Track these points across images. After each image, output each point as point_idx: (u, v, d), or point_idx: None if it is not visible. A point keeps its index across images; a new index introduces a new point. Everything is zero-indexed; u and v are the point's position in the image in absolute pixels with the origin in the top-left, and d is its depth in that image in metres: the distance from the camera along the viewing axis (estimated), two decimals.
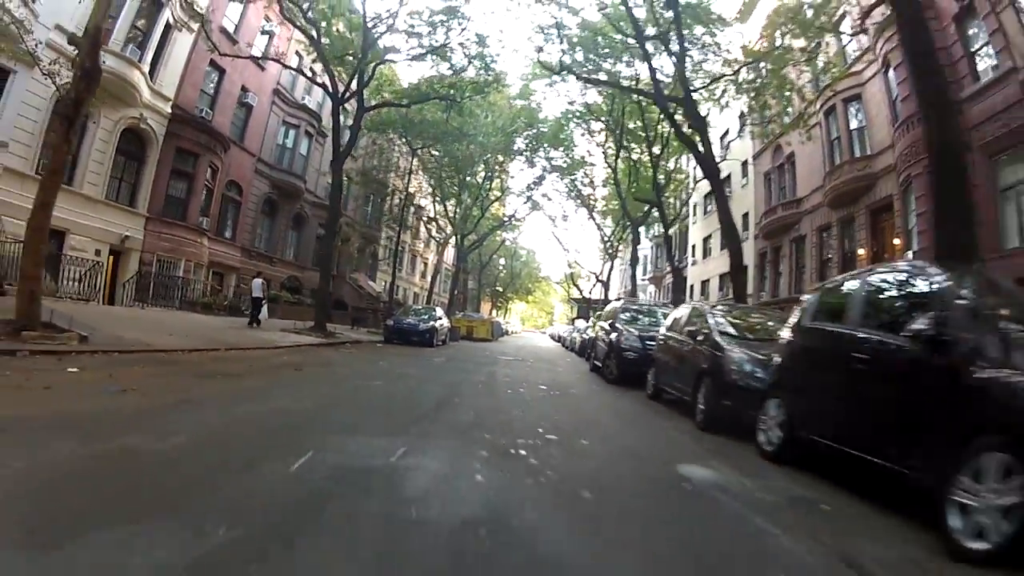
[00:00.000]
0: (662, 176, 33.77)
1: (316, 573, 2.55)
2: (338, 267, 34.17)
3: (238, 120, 29.07)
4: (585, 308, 47.35)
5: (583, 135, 38.74)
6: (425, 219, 51.92)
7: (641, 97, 24.94)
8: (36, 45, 15.36)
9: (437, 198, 45.74)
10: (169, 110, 23.37)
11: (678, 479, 5.19)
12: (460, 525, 3.31)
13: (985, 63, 17.03)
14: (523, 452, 5.48)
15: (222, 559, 2.56)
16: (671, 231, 44.94)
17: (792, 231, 29.12)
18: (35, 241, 10.11)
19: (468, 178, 43.05)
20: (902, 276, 5.52)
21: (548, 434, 6.55)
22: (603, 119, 34.04)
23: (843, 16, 21.37)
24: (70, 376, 7.31)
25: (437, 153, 38.37)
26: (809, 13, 19.35)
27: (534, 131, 39.58)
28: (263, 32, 29.29)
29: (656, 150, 30.45)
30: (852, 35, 21.52)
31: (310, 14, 21.92)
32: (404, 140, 37.51)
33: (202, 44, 23.29)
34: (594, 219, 48.93)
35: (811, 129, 22.24)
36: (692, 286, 44.35)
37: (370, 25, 22.65)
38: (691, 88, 23.19)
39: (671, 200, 41.62)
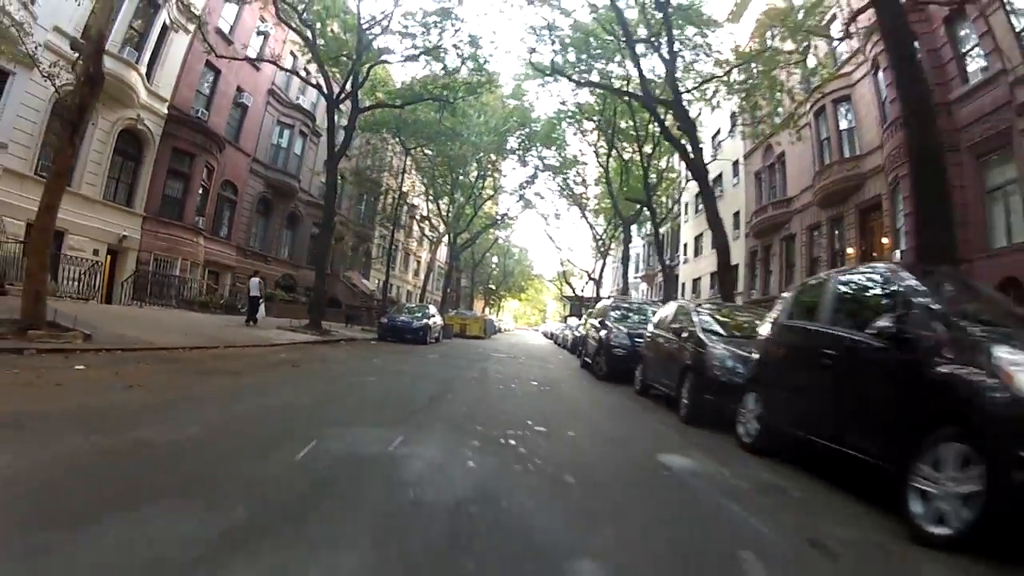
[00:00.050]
0: (654, 175, 33.96)
1: (327, 545, 2.86)
2: (332, 265, 34.35)
3: (233, 120, 29.28)
4: (577, 306, 47.54)
5: (575, 134, 39.03)
6: (418, 218, 52.08)
7: (631, 99, 25.10)
8: (36, 48, 15.55)
9: (430, 197, 45.88)
10: (165, 111, 23.57)
11: (658, 467, 5.54)
12: (454, 505, 3.65)
13: (974, 65, 17.26)
14: (512, 442, 5.81)
15: (244, 533, 2.88)
16: (663, 229, 45.32)
17: (782, 230, 29.39)
18: (40, 242, 10.27)
19: (461, 177, 43.26)
20: (869, 277, 5.84)
21: (537, 426, 6.89)
22: (595, 118, 34.19)
23: (833, 18, 21.67)
24: (78, 373, 7.54)
25: (430, 152, 38.53)
26: (799, 15, 19.68)
27: (527, 130, 39.66)
28: (258, 33, 29.48)
29: (647, 149, 30.66)
30: (839, 40, 21.77)
31: (305, 16, 22.14)
32: (397, 140, 37.71)
33: (198, 45, 23.44)
34: (586, 218, 49.17)
35: (801, 129, 22.50)
36: (683, 284, 44.65)
37: (365, 26, 22.86)
38: (682, 89, 23.50)
39: (663, 199, 41.86)
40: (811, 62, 23.19)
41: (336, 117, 23.82)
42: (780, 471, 5.68)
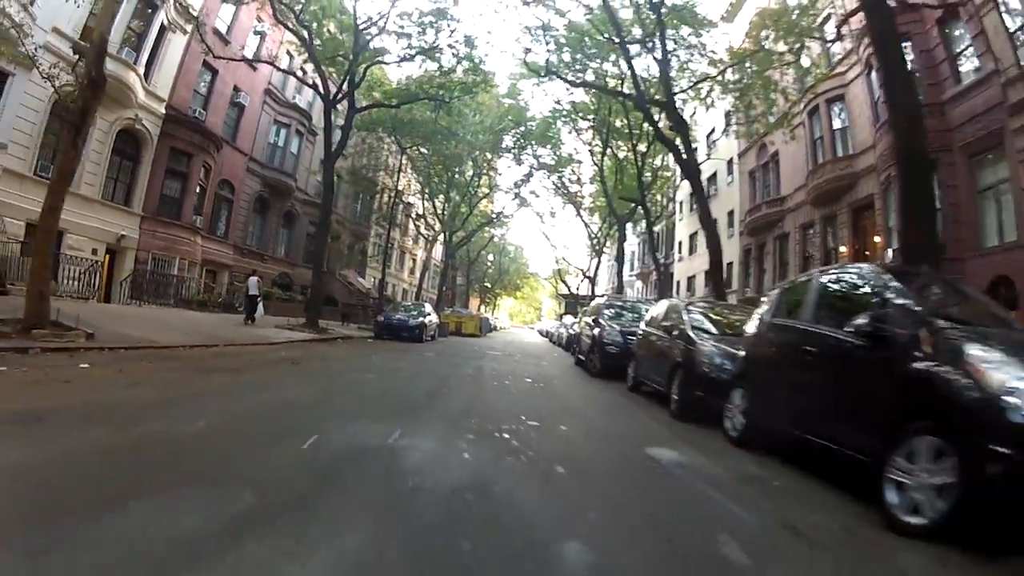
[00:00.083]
0: (648, 173, 34.20)
1: (334, 526, 3.11)
2: (328, 264, 34.51)
3: (230, 120, 29.42)
4: (573, 304, 47.74)
5: (570, 133, 39.22)
6: (414, 216, 52.20)
7: (625, 99, 25.23)
8: (35, 49, 15.68)
9: (426, 195, 46.05)
10: (163, 111, 23.70)
11: (645, 459, 5.79)
12: (450, 491, 3.91)
13: (967, 66, 17.43)
14: (506, 435, 6.06)
15: (258, 515, 3.13)
16: (658, 228, 45.49)
17: (776, 228, 29.61)
18: (44, 243, 10.43)
19: (456, 175, 43.40)
20: (849, 277, 6.10)
21: (530, 420, 7.14)
22: (590, 117, 34.41)
23: (827, 19, 21.80)
24: (83, 371, 7.73)
25: (426, 151, 38.68)
26: (794, 15, 19.84)
27: (522, 129, 39.90)
28: (255, 32, 29.57)
29: (642, 148, 30.85)
30: (830, 42, 21.92)
31: (302, 16, 22.28)
32: (393, 139, 37.84)
33: (196, 45, 23.61)
34: (581, 216, 49.34)
35: (795, 129, 22.66)
36: (678, 282, 44.81)
37: (361, 27, 23.02)
38: (677, 89, 23.67)
39: (657, 197, 42.08)
40: (805, 62, 23.35)
41: (332, 117, 24.02)
42: (764, 463, 5.90)
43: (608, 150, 34.85)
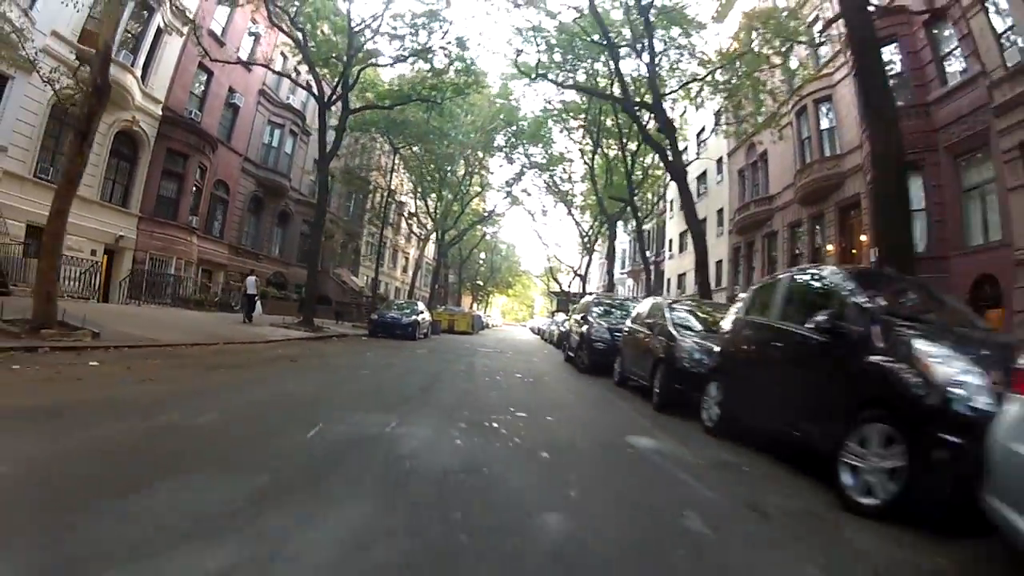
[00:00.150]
0: (639, 172, 34.50)
1: (340, 501, 3.55)
2: (322, 263, 34.78)
3: (225, 120, 29.61)
4: (564, 301, 47.88)
5: (562, 132, 39.44)
6: (406, 215, 52.41)
7: (614, 102, 25.44)
8: (36, 53, 15.97)
9: (418, 194, 46.31)
10: (160, 112, 23.90)
11: (625, 446, 6.24)
12: (443, 472, 4.37)
13: (953, 67, 17.68)
14: (495, 425, 6.51)
15: (273, 492, 3.56)
16: (648, 226, 45.83)
17: (764, 227, 29.85)
18: (51, 245, 10.78)
19: (448, 175, 43.63)
20: (813, 277, 6.55)
21: (519, 412, 7.58)
22: (580, 117, 34.67)
23: (815, 20, 22.08)
24: (93, 369, 8.09)
25: (418, 150, 38.89)
26: (782, 16, 20.19)
27: (513, 128, 40.12)
28: (250, 33, 29.83)
29: (632, 147, 31.12)
30: (815, 46, 22.23)
31: (297, 18, 22.58)
32: (386, 139, 38.15)
33: (191, 47, 23.91)
34: (572, 215, 49.62)
35: (783, 129, 23.04)
36: (669, 280, 45.12)
37: (355, 29, 23.34)
38: (668, 90, 24.05)
39: (648, 195, 42.36)
40: (793, 63, 23.69)
41: (326, 117, 24.33)
42: (736, 451, 6.32)
43: (599, 149, 35.13)
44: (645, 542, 3.45)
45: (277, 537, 2.87)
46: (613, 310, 16.75)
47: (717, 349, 7.88)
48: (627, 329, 12.63)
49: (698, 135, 39.34)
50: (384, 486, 3.97)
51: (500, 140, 41.87)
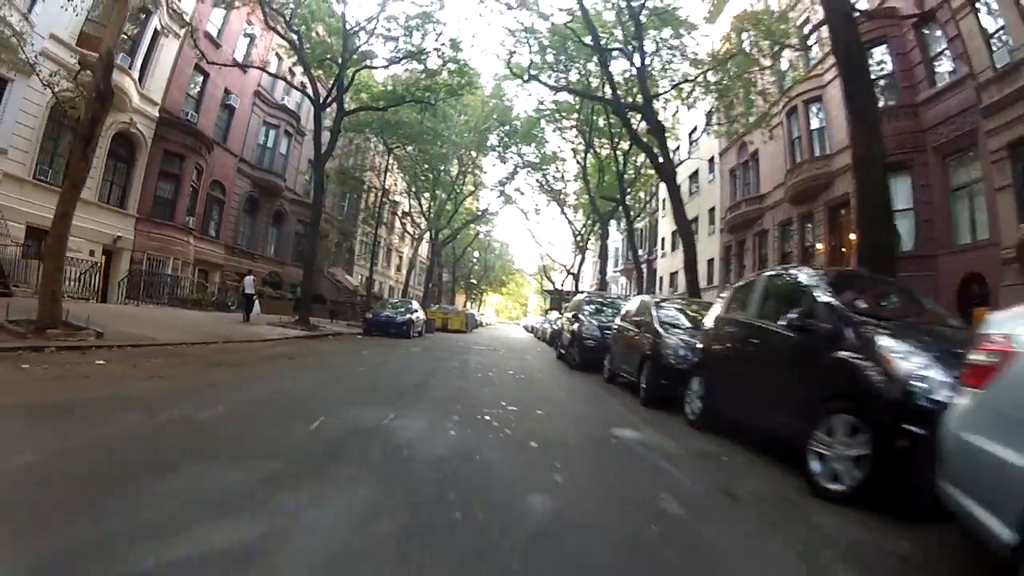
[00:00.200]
0: (631, 171, 34.75)
1: (345, 484, 3.90)
2: (317, 262, 35.00)
3: (221, 121, 29.86)
4: (558, 300, 48.03)
5: (554, 131, 39.65)
6: (400, 214, 52.61)
7: (605, 103, 25.70)
8: (36, 56, 16.17)
9: (412, 193, 46.53)
10: (157, 114, 24.15)
11: (610, 437, 6.60)
12: (438, 459, 4.73)
13: (942, 68, 17.99)
14: (487, 418, 6.86)
15: (283, 477, 3.89)
16: (641, 224, 46.11)
17: (756, 225, 30.19)
18: (56, 248, 11.00)
19: (442, 174, 43.85)
20: (787, 277, 6.90)
21: (510, 406, 7.92)
22: (573, 116, 34.94)
23: (806, 21, 22.20)
24: (100, 367, 8.33)
25: (411, 149, 39.13)
26: (773, 18, 20.46)
27: (507, 128, 40.42)
28: (245, 35, 30.09)
29: (624, 146, 31.36)
30: (803, 49, 22.48)
31: (292, 21, 22.83)
32: (380, 139, 38.36)
33: (188, 49, 24.16)
34: (565, 214, 49.87)
35: (774, 129, 23.32)
36: (661, 278, 45.49)
37: (350, 31, 23.59)
38: (660, 90, 24.29)
39: (640, 194, 42.64)
40: (783, 64, 23.97)
41: (321, 119, 24.57)
42: (717, 442, 6.64)
43: (591, 149, 35.36)
44: (622, 520, 3.78)
45: (291, 513, 3.20)
46: (604, 308, 17.01)
47: (699, 346, 8.23)
48: (616, 327, 12.97)
49: (690, 135, 39.60)
50: (384, 471, 4.33)
51: (493, 140, 42.20)
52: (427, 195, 45.47)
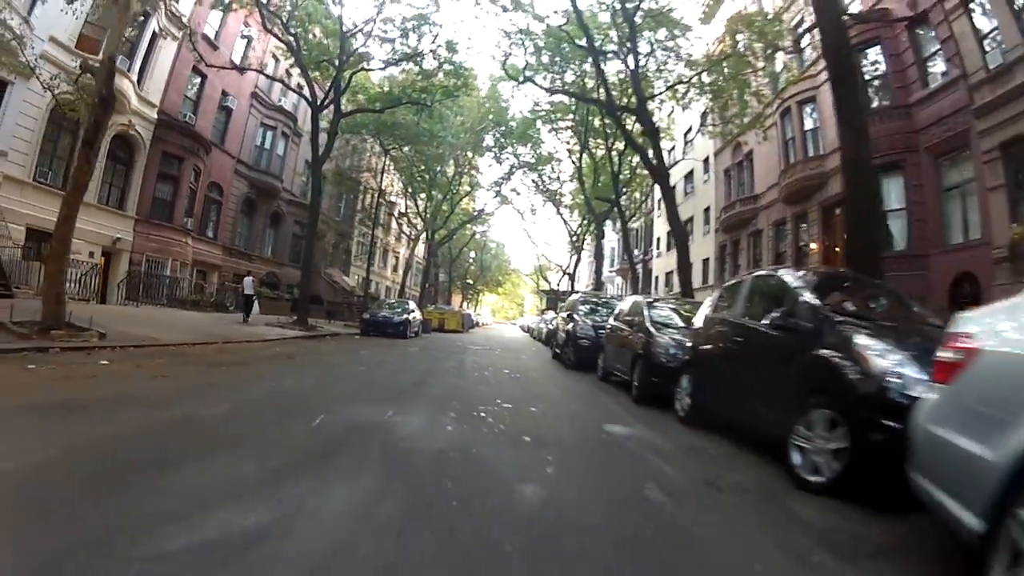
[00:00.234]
0: (627, 171, 34.90)
1: (349, 473, 4.15)
2: (313, 263, 35.10)
3: (219, 123, 30.05)
4: (554, 300, 48.18)
5: (550, 131, 39.77)
6: (397, 215, 52.74)
7: (599, 106, 25.77)
8: (36, 59, 16.31)
9: (408, 194, 46.67)
10: (155, 116, 24.32)
11: (601, 432, 6.85)
12: (436, 452, 4.99)
13: (935, 69, 18.13)
14: (483, 414, 7.11)
15: (290, 467, 4.14)
16: (637, 224, 46.25)
17: (750, 225, 30.38)
18: (59, 250, 11.15)
19: (438, 175, 43.98)
20: (772, 278, 7.12)
21: (505, 404, 8.18)
22: (568, 117, 35.16)
23: (800, 22, 22.46)
24: (105, 367, 8.51)
25: (407, 150, 39.28)
26: (766, 20, 20.64)
27: (502, 128, 40.56)
28: (242, 36, 30.22)
29: (619, 146, 31.51)
30: (797, 51, 22.69)
31: (290, 23, 23.01)
32: (376, 141, 38.55)
33: (185, 51, 24.35)
34: (561, 214, 50.10)
35: (768, 130, 23.56)
36: (657, 277, 45.66)
37: (347, 33, 23.78)
38: (655, 92, 24.47)
39: (635, 194, 42.82)
40: (777, 65, 24.14)
41: (318, 121, 24.77)
42: (705, 437, 6.86)
43: (586, 150, 35.59)
44: (608, 507, 4.02)
45: (299, 500, 3.43)
46: (599, 308, 17.20)
47: (689, 344, 8.46)
48: (610, 327, 13.21)
49: (685, 135, 39.82)
50: (385, 462, 4.57)
51: (489, 140, 42.34)
52: (423, 196, 45.67)
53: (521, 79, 25.08)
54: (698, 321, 8.57)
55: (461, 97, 30.95)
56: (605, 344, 13.27)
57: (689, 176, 40.20)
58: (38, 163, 19.40)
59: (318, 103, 24.27)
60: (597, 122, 32.17)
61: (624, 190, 34.77)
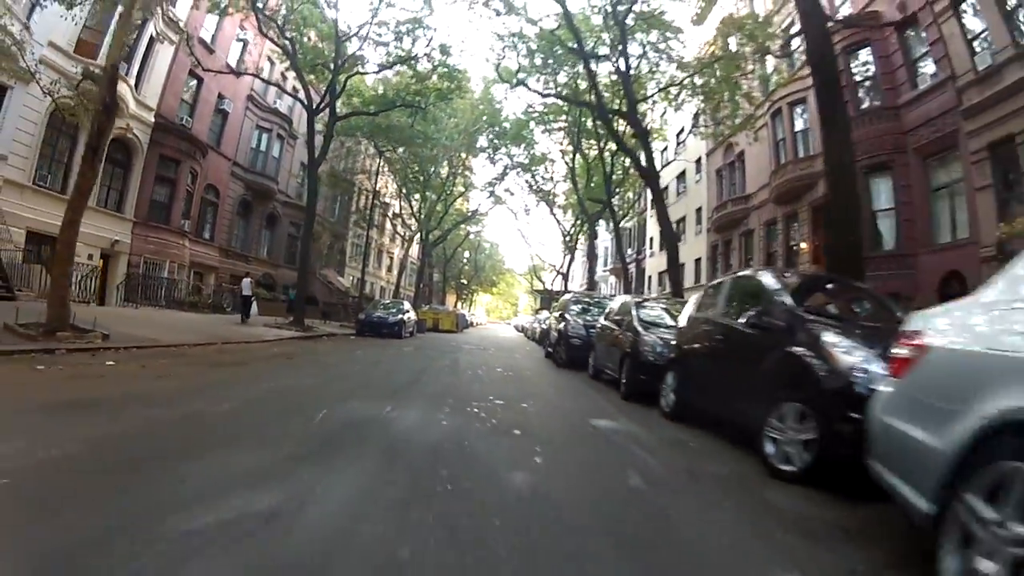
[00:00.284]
0: (619, 172, 35.20)
1: (352, 461, 4.51)
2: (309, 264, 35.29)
3: (215, 126, 30.31)
4: (548, 299, 48.19)
5: (544, 132, 40.24)
6: (391, 216, 52.97)
7: (590, 109, 25.98)
8: (35, 64, 16.52)
9: (403, 195, 46.93)
10: (152, 119, 24.55)
11: (588, 426, 7.20)
12: (432, 444, 5.34)
13: (924, 70, 18.40)
14: (476, 410, 7.45)
15: (299, 456, 4.49)
16: (630, 224, 46.55)
17: (741, 225, 30.74)
18: (64, 254, 11.43)
19: (432, 176, 44.33)
20: (751, 279, 7.45)
21: (497, 400, 8.50)
22: (562, 118, 35.43)
23: (791, 24, 22.64)
24: (111, 368, 8.77)
25: (401, 152, 39.57)
26: (756, 22, 20.93)
27: (496, 129, 40.82)
28: (238, 39, 30.49)
29: (612, 146, 31.60)
30: (786, 55, 23.00)
31: (286, 27, 23.30)
32: (371, 142, 38.88)
33: (182, 55, 24.58)
34: (554, 214, 50.40)
35: (758, 131, 23.86)
36: (650, 277, 45.92)
37: (342, 37, 24.07)
38: (648, 93, 24.72)
39: (628, 194, 43.10)
40: (768, 67, 24.42)
41: (314, 123, 25.02)
42: (688, 432, 7.17)
43: (579, 151, 35.88)
44: (592, 492, 4.36)
45: (307, 486, 3.75)
46: (590, 308, 17.42)
47: (674, 342, 8.80)
48: (600, 326, 13.55)
49: (677, 136, 40.00)
50: (384, 453, 4.90)
51: (483, 141, 42.59)
52: (417, 196, 45.87)
53: (514, 82, 25.32)
54: (683, 320, 8.90)
55: (455, 99, 31.16)
56: (595, 343, 13.60)
57: (681, 176, 40.52)
58: (38, 167, 19.60)
59: (314, 106, 24.53)
60: (590, 123, 32.25)
61: (617, 190, 35.05)
